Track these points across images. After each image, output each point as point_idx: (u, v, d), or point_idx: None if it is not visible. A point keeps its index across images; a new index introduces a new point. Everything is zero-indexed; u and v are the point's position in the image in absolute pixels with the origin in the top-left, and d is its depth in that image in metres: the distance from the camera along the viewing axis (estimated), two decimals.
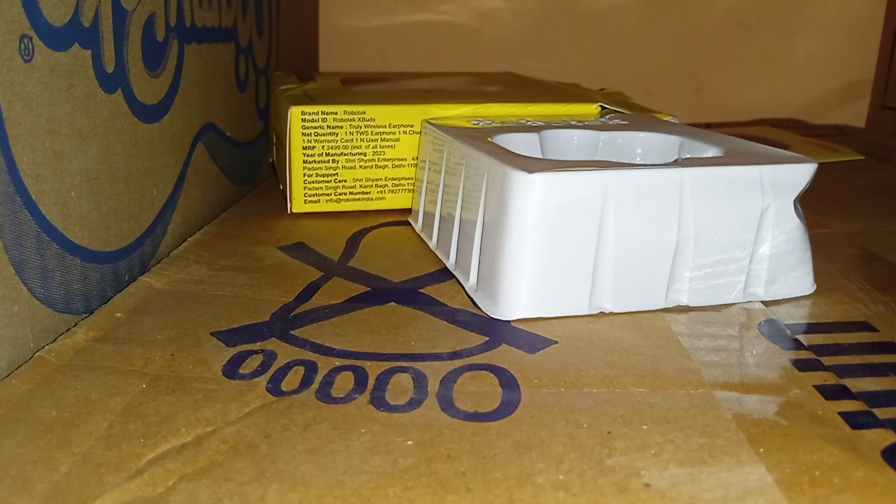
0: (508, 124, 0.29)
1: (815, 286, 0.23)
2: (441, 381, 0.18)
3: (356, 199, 0.31)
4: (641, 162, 0.27)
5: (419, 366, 0.18)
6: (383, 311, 0.21)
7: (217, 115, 0.32)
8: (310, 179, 0.31)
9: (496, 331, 0.20)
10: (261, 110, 0.39)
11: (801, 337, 0.20)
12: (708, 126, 0.50)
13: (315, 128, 0.30)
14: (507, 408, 0.16)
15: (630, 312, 0.21)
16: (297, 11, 0.48)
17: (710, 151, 0.24)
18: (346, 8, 0.57)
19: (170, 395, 0.17)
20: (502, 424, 0.16)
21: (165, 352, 0.19)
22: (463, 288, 0.23)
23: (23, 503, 0.13)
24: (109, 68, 0.22)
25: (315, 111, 0.30)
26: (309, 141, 0.30)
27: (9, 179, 0.18)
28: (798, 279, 0.23)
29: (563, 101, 0.32)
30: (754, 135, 0.46)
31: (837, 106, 0.59)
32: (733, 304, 0.22)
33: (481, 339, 0.20)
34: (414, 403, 0.17)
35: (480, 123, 0.29)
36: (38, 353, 0.18)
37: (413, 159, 0.31)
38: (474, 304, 0.22)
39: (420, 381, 0.18)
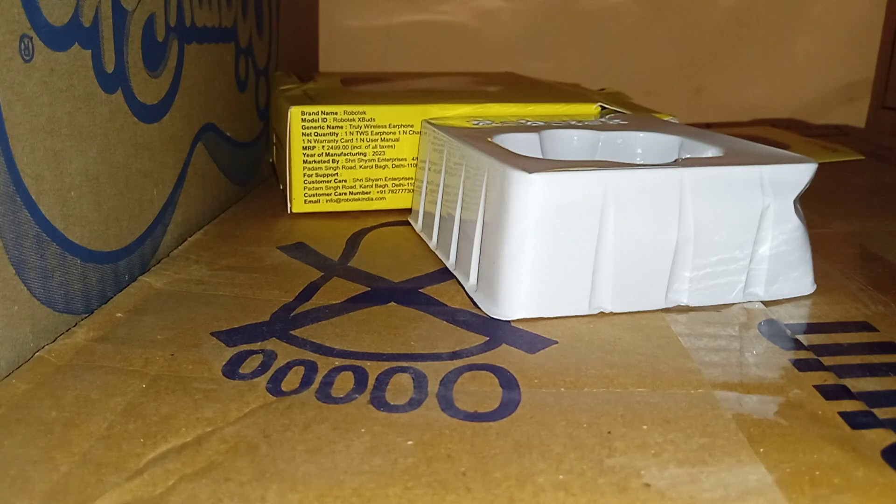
0: (508, 124, 0.29)
1: (815, 286, 0.23)
2: (441, 381, 0.18)
3: (356, 199, 0.31)
4: (641, 162, 0.27)
5: (419, 366, 0.18)
6: (383, 311, 0.21)
7: (217, 115, 0.32)
8: (310, 179, 0.31)
9: (496, 331, 0.20)
10: (261, 110, 0.39)
11: (801, 337, 0.20)
12: (708, 126, 0.50)
13: (315, 128, 0.30)
14: (507, 408, 0.16)
15: (630, 312, 0.21)
16: (297, 11, 0.48)
17: (710, 151, 0.24)
18: (346, 8, 0.57)
19: (170, 395, 0.17)
20: (502, 424, 0.16)
21: (165, 352, 0.19)
22: (463, 288, 0.23)
23: (23, 503, 0.13)
24: (109, 68, 0.22)
25: (315, 111, 0.30)
26: (309, 141, 0.30)
27: (9, 179, 0.18)
28: (798, 279, 0.23)
29: (563, 101, 0.32)
30: (754, 135, 0.46)
31: (837, 106, 0.59)
32: (733, 304, 0.22)
33: (481, 339, 0.20)
34: (414, 403, 0.17)
35: (480, 123, 0.29)
36: (38, 353, 0.18)
37: (413, 159, 0.31)
38: (474, 304, 0.22)
39: (420, 381, 0.18)
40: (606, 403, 0.17)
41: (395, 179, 0.31)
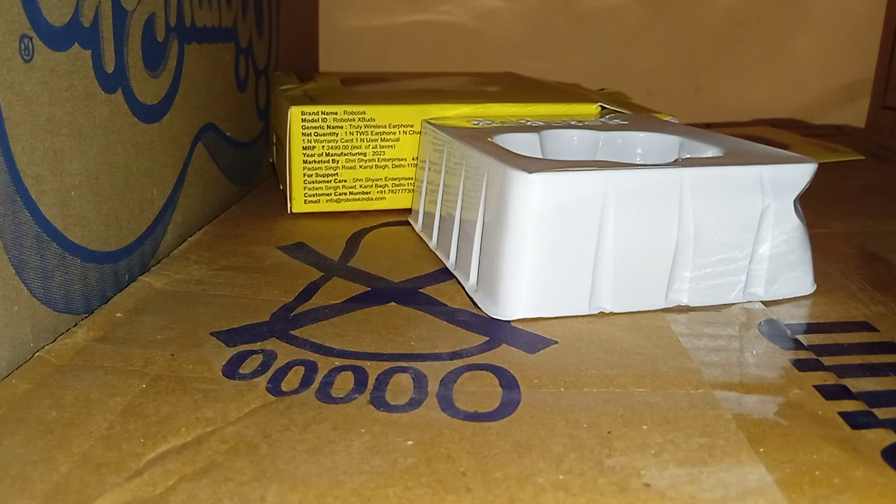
0: (508, 124, 0.29)
1: (815, 286, 0.23)
2: (441, 381, 0.18)
3: (356, 199, 0.31)
4: (641, 162, 0.27)
5: (419, 366, 0.18)
6: (383, 311, 0.21)
7: (217, 115, 0.32)
8: (310, 179, 0.31)
9: (496, 331, 0.20)
10: (261, 110, 0.39)
11: (801, 337, 0.20)
12: (708, 126, 0.50)
13: (315, 128, 0.30)
14: (507, 408, 0.16)
15: (630, 312, 0.21)
16: (297, 11, 0.48)
17: (710, 151, 0.24)
18: (346, 8, 0.57)
19: (170, 395, 0.17)
20: (502, 424, 0.16)
21: (165, 352, 0.19)
22: (463, 288, 0.23)
23: (23, 503, 0.13)
24: (109, 68, 0.22)
25: (315, 111, 0.30)
26: (309, 141, 0.30)
27: (9, 179, 0.18)
28: (798, 279, 0.23)
29: (563, 101, 0.32)
30: (754, 135, 0.46)
31: (837, 106, 0.59)
32: (733, 304, 0.22)
33: (481, 339, 0.20)
34: (414, 403, 0.17)
35: (480, 123, 0.29)
36: (38, 353, 0.18)
37: (413, 159, 0.31)
38: (474, 304, 0.22)
39: (420, 381, 0.18)
40: (606, 403, 0.17)
41: (395, 179, 0.31)
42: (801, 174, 0.22)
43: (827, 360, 0.19)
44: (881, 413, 0.16)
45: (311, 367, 0.18)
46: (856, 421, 0.16)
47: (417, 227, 0.29)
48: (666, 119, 0.31)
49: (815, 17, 0.57)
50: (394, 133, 0.31)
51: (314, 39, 0.56)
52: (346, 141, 0.30)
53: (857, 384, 0.17)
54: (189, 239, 0.28)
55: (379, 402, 0.17)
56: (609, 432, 0.15)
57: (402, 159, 0.31)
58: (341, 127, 0.30)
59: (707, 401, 0.17)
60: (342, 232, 0.29)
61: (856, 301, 0.23)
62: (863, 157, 0.43)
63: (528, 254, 0.20)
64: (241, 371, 0.18)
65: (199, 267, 0.25)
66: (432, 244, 0.27)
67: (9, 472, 0.14)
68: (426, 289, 0.23)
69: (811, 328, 0.21)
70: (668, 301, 0.22)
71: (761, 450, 0.15)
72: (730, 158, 0.23)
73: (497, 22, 0.57)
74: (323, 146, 0.30)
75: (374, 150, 0.31)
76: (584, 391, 0.17)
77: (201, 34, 0.30)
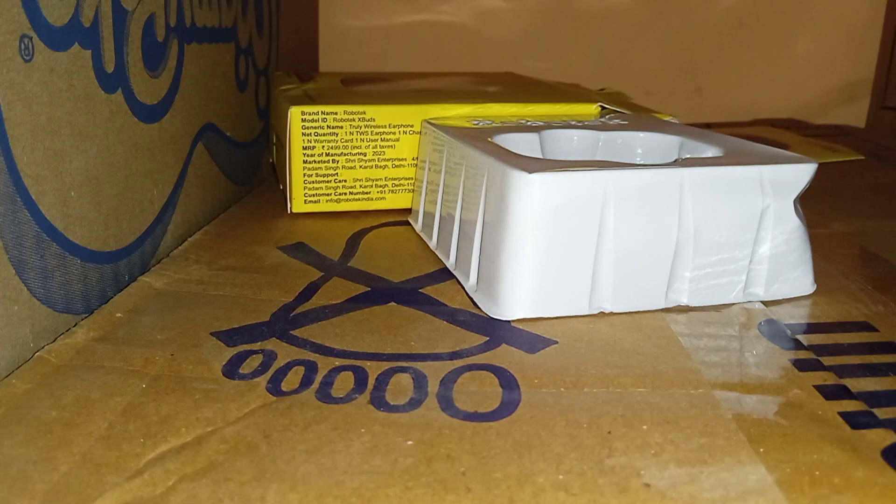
0: (508, 124, 0.29)
1: (815, 286, 0.23)
2: (441, 381, 0.18)
3: (356, 199, 0.31)
4: (641, 162, 0.27)
5: (419, 366, 0.18)
6: (383, 311, 0.21)
7: (217, 115, 0.32)
8: (310, 179, 0.31)
9: (496, 331, 0.20)
10: (261, 110, 0.39)
11: (801, 337, 0.20)
12: (708, 126, 0.50)
13: (315, 128, 0.30)
14: (507, 408, 0.16)
15: (630, 312, 0.21)
16: (297, 11, 0.48)
17: (710, 151, 0.24)
18: (346, 8, 0.57)
19: (170, 395, 0.17)
20: (502, 424, 0.16)
21: (165, 352, 0.19)
22: (463, 288, 0.23)
23: (23, 503, 0.13)
24: (109, 68, 0.22)
25: (315, 111, 0.30)
26: (309, 141, 0.30)
27: (9, 179, 0.18)
28: (798, 279, 0.23)
29: (563, 101, 0.32)
30: (754, 135, 0.46)
31: (837, 106, 0.59)
32: (733, 304, 0.22)
33: (481, 339, 0.20)
34: (414, 403, 0.17)
35: (480, 123, 0.29)
36: (38, 353, 0.18)
37: (413, 159, 0.31)
38: (474, 304, 0.22)
39: (420, 381, 0.18)
40: (606, 403, 0.17)
41: (395, 179, 0.31)
42: (801, 174, 0.22)
43: (827, 360, 0.19)
44: (881, 413, 0.16)
45: (311, 367, 0.18)
46: (856, 421, 0.16)
47: (417, 227, 0.29)
48: (666, 119, 0.31)
49: (815, 17, 0.57)
50: (394, 133, 0.31)
51: (314, 39, 0.56)
52: (346, 141, 0.30)
53: (857, 384, 0.17)
54: (189, 239, 0.28)
55: (379, 402, 0.17)
56: (609, 432, 0.15)
57: (402, 159, 0.31)
58: (341, 127, 0.30)
59: (707, 401, 0.17)
60: (342, 232, 0.29)
61: (856, 301, 0.23)
62: (863, 157, 0.43)
63: (528, 254, 0.20)
64: (241, 371, 0.18)
65: (199, 267, 0.25)
66: (432, 244, 0.27)
67: (9, 472, 0.14)
68: (426, 289, 0.23)
69: (811, 328, 0.21)
70: (668, 301, 0.22)
71: (761, 450, 0.15)
72: (730, 158, 0.23)
73: (497, 22, 0.57)
74: (323, 146, 0.30)
75: (374, 150, 0.31)
76: (584, 391, 0.17)
77: (201, 34, 0.30)
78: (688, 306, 0.22)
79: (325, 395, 0.17)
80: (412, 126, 0.31)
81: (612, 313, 0.21)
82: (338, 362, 0.18)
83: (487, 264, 0.22)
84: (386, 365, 0.18)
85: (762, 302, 0.22)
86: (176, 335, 0.20)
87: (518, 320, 0.21)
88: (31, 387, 0.17)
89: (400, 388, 0.17)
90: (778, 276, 0.22)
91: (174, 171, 0.27)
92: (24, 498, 0.13)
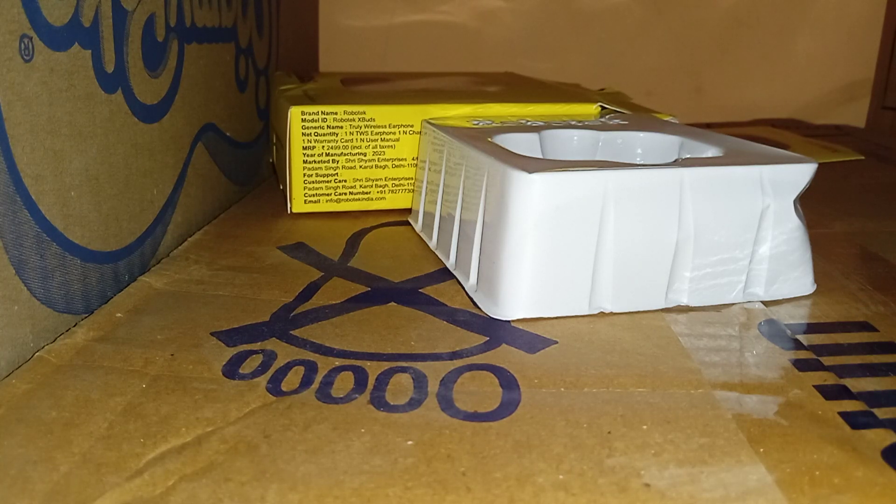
0: (508, 124, 0.29)
1: (815, 286, 0.23)
2: (441, 381, 0.18)
3: (356, 199, 0.31)
4: (641, 162, 0.27)
5: (419, 366, 0.18)
6: (383, 311, 0.21)
7: (217, 115, 0.32)
8: (310, 179, 0.31)
9: (496, 331, 0.20)
10: (261, 110, 0.39)
11: (801, 337, 0.20)
12: (708, 126, 0.50)
13: (315, 128, 0.30)
14: (507, 408, 0.16)
15: (630, 312, 0.21)
16: (297, 11, 0.48)
17: (710, 151, 0.24)
18: (346, 8, 0.57)
19: (170, 395, 0.17)
20: (502, 424, 0.16)
21: (165, 352, 0.19)
22: (463, 288, 0.23)
23: (23, 503, 0.13)
24: (109, 68, 0.22)
25: (315, 111, 0.30)
26: (309, 141, 0.30)
27: (9, 179, 0.18)
28: (798, 279, 0.23)
29: (563, 101, 0.32)
30: (754, 135, 0.46)
31: (837, 106, 0.59)
32: (733, 304, 0.22)
33: (481, 339, 0.20)
34: (414, 403, 0.17)
35: (480, 123, 0.29)
36: (38, 353, 0.18)
37: (413, 159, 0.31)
38: (474, 304, 0.22)
39: (420, 381, 0.18)
40: (606, 403, 0.17)
41: (395, 179, 0.31)
42: (801, 174, 0.22)
43: (827, 360, 0.19)
44: (881, 413, 0.16)
45: (311, 367, 0.18)
46: (856, 421, 0.16)
47: (417, 227, 0.29)
48: (666, 119, 0.31)
49: (815, 17, 0.57)
50: (394, 133, 0.31)
51: (314, 39, 0.56)
52: (346, 141, 0.30)
53: (857, 384, 0.17)
54: (189, 239, 0.28)
55: (379, 402, 0.17)
56: (609, 432, 0.15)
57: (402, 159, 0.31)
58: (341, 127, 0.30)
59: (707, 401, 0.17)
60: (342, 232, 0.29)
61: (856, 301, 0.23)
62: (863, 157, 0.43)
63: (528, 254, 0.20)
64: (241, 371, 0.18)
65: (199, 267, 0.25)
66: (432, 244, 0.27)
67: (9, 472, 0.14)
68: (426, 289, 0.23)
69: (811, 328, 0.21)
70: (668, 301, 0.22)
71: (761, 450, 0.15)
72: (730, 158, 0.23)
73: (497, 22, 0.57)
74: (323, 146, 0.30)
75: (374, 150, 0.31)
76: (584, 391, 0.17)
77: (201, 34, 0.30)
78: (688, 306, 0.22)
79: (325, 395, 0.17)
80: (412, 126, 0.31)
81: (612, 313, 0.21)
82: (338, 362, 0.18)
83: (487, 264, 0.22)
84: (386, 365, 0.18)
85: (762, 302, 0.22)
86: (176, 335, 0.20)
87: (518, 320, 0.21)
88: (31, 387, 0.17)
89: (400, 388, 0.17)
90: (778, 276, 0.22)
91: (174, 171, 0.27)
92: (24, 498, 0.13)
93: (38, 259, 0.19)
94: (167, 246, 0.27)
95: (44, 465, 0.14)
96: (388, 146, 0.31)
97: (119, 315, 0.21)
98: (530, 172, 0.20)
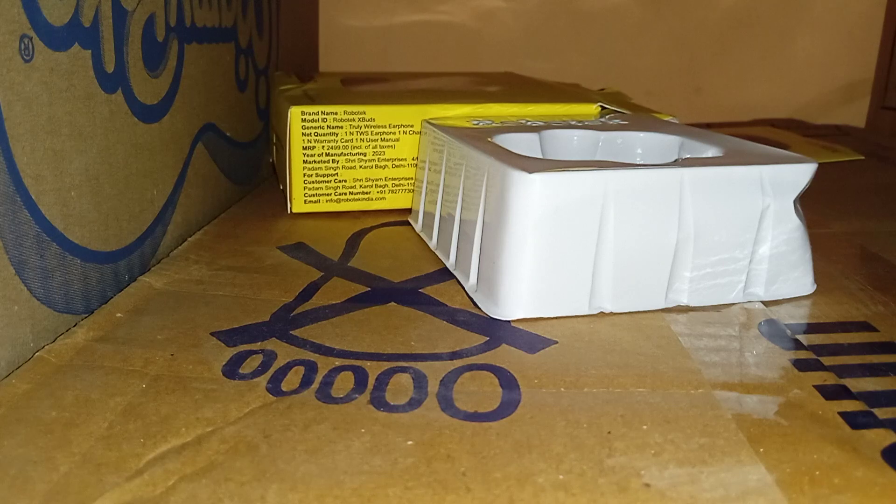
0: (508, 124, 0.29)
1: (815, 286, 0.23)
2: (441, 381, 0.18)
3: (356, 200, 0.31)
4: (641, 162, 0.27)
5: (419, 366, 0.18)
6: (383, 311, 0.21)
7: (217, 115, 0.32)
8: (310, 179, 0.31)
9: (496, 331, 0.20)
10: (261, 110, 0.39)
11: (801, 337, 0.20)
12: (708, 126, 0.50)
13: (315, 128, 0.30)
14: (507, 408, 0.16)
15: (630, 312, 0.21)
16: (297, 11, 0.48)
17: (710, 151, 0.24)
18: (346, 8, 0.57)
19: (170, 395, 0.17)
20: (502, 424, 0.16)
21: (165, 352, 0.19)
22: (463, 288, 0.23)
23: (23, 503, 0.13)
24: (109, 68, 0.22)
25: (315, 111, 0.30)
26: (309, 141, 0.30)
27: (9, 179, 0.18)
28: (798, 279, 0.23)
29: (563, 101, 0.32)
30: (754, 135, 0.46)
31: (837, 106, 0.59)
32: (733, 304, 0.22)
33: (481, 339, 0.20)
34: (414, 403, 0.17)
35: (480, 123, 0.29)
36: (38, 353, 0.18)
37: (413, 159, 0.31)
38: (474, 304, 0.22)
39: (420, 381, 0.18)
40: (606, 403, 0.17)
41: (395, 179, 0.31)
42: (801, 174, 0.22)
43: (827, 360, 0.19)
44: (881, 413, 0.16)
45: (311, 367, 0.18)
46: (856, 421, 0.16)
47: (417, 227, 0.29)
48: (666, 119, 0.31)
49: (815, 17, 0.57)
50: (394, 133, 0.31)
51: (314, 39, 0.56)
52: (346, 141, 0.30)
53: (857, 384, 0.17)
54: (189, 239, 0.28)
55: (379, 402, 0.17)
56: (609, 432, 0.15)
57: (402, 159, 0.31)
58: (341, 127, 0.30)
59: (707, 401, 0.17)
60: (342, 232, 0.29)
61: (856, 301, 0.23)
62: (863, 157, 0.43)
63: (528, 254, 0.20)
64: (241, 371, 0.18)
65: (199, 267, 0.25)
66: (432, 244, 0.27)
67: (9, 472, 0.14)
68: (426, 289, 0.23)
69: (811, 328, 0.21)
70: (668, 301, 0.22)
71: (761, 450, 0.15)
72: (730, 158, 0.23)
73: (497, 22, 0.57)
74: (323, 146, 0.30)
75: (374, 150, 0.31)
76: (584, 391, 0.17)
77: (201, 34, 0.30)
78: (688, 306, 0.22)
79: (325, 395, 0.17)
80: (412, 126, 0.31)
81: (612, 313, 0.21)
82: (338, 362, 0.18)
83: (487, 264, 0.22)
84: (386, 365, 0.18)
85: (762, 302, 0.22)
86: (176, 335, 0.20)
87: (518, 320, 0.21)
88: (31, 387, 0.17)
89: (400, 388, 0.17)
90: (778, 276, 0.22)
91: (174, 171, 0.27)
92: (24, 498, 0.13)
93: (38, 259, 0.19)
94: (167, 246, 0.27)
95: (44, 465, 0.14)
96: (388, 146, 0.31)
97: (119, 315, 0.21)
98: (530, 172, 0.20)
